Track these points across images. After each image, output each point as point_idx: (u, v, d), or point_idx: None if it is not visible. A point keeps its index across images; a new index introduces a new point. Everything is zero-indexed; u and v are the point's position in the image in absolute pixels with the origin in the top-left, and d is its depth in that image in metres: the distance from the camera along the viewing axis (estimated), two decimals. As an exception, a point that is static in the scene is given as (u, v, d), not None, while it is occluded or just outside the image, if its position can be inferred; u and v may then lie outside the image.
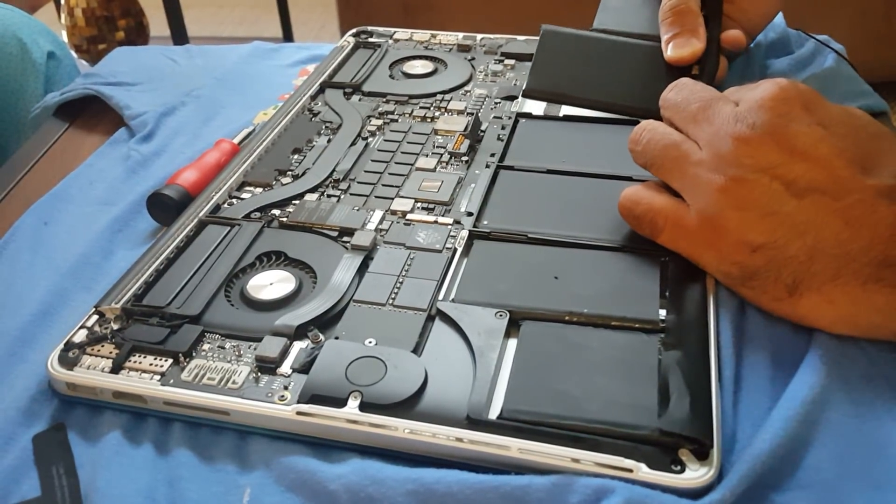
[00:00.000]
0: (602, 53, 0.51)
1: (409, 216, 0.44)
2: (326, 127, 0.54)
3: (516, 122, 0.52)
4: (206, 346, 0.36)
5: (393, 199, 0.46)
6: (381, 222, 0.44)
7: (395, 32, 0.67)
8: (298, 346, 0.36)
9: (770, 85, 0.37)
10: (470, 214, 0.44)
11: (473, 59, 0.62)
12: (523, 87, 0.51)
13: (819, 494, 0.29)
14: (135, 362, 0.35)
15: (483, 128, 0.52)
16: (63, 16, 1.76)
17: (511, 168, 0.47)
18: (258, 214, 0.45)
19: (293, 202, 0.46)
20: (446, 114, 0.54)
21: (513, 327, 0.36)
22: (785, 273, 0.34)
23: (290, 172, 0.49)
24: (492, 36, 0.65)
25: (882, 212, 0.33)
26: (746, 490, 0.29)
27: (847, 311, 0.34)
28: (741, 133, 0.35)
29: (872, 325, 0.34)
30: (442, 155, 0.50)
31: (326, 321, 0.37)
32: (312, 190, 0.47)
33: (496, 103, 0.55)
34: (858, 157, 0.34)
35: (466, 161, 0.49)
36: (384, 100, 0.57)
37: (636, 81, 0.49)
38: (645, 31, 0.52)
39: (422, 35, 0.66)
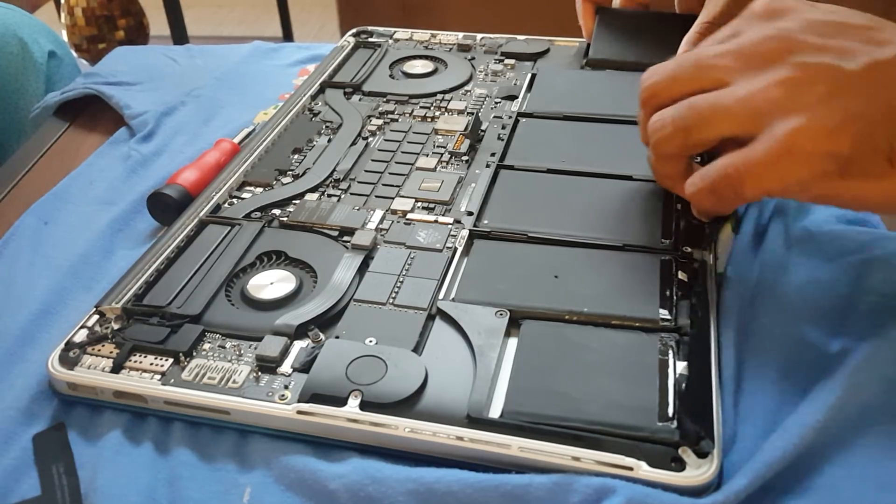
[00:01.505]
0: (651, 24, 0.58)
1: (409, 216, 0.44)
2: (327, 127, 0.54)
3: (517, 121, 0.52)
4: (206, 346, 0.36)
5: (393, 198, 0.46)
6: (381, 222, 0.44)
7: (395, 32, 0.67)
8: (299, 345, 0.36)
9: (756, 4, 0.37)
10: (470, 214, 0.44)
11: (473, 58, 0.62)
12: (587, 57, 0.58)
13: (822, 497, 0.29)
14: (135, 362, 0.35)
15: (483, 127, 0.52)
16: (63, 15, 1.76)
17: (511, 168, 0.47)
18: (258, 214, 0.45)
19: (293, 202, 0.46)
20: (446, 113, 0.54)
21: (513, 326, 0.36)
22: (879, 141, 0.32)
23: (290, 172, 0.49)
24: (492, 36, 0.65)
25: None
26: (750, 493, 0.29)
27: None
28: (760, 40, 0.35)
29: None
30: (442, 154, 0.50)
31: (327, 320, 0.37)
32: (313, 189, 0.47)
33: (496, 103, 0.55)
34: (868, 19, 0.35)
35: (467, 161, 0.49)
36: (384, 99, 0.57)
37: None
38: (640, 60, 0.54)
39: (422, 35, 0.66)
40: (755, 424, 0.32)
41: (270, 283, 0.39)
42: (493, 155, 0.49)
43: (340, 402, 0.33)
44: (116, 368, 0.35)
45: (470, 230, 0.42)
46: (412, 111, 0.55)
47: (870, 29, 0.34)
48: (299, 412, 0.33)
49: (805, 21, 0.35)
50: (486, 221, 0.43)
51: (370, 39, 0.66)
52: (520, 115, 0.53)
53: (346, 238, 0.43)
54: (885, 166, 0.32)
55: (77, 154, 0.57)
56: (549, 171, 0.47)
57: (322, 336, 0.36)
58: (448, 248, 0.41)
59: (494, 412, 0.32)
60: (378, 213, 0.44)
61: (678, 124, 0.36)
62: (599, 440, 0.30)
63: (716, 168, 0.35)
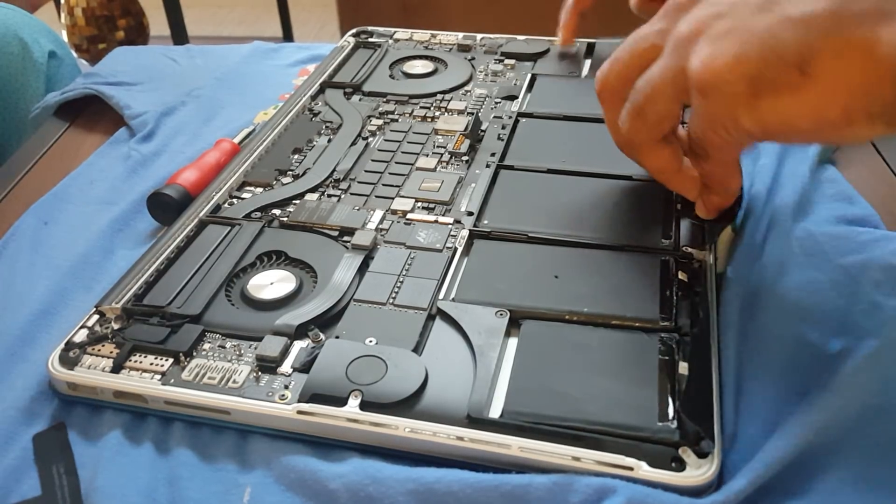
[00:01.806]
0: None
1: (409, 216, 0.44)
2: (327, 127, 0.54)
3: (517, 121, 0.52)
4: (206, 346, 0.36)
5: (393, 198, 0.46)
6: (381, 222, 0.44)
7: (395, 32, 0.67)
8: (299, 345, 0.36)
9: None
10: (470, 214, 0.44)
11: (473, 58, 0.62)
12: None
13: (823, 497, 0.29)
14: (135, 362, 0.35)
15: (483, 127, 0.52)
16: (63, 15, 1.76)
17: (511, 168, 0.47)
18: (258, 214, 0.45)
19: (293, 202, 0.46)
20: (446, 113, 0.54)
21: (513, 326, 0.36)
22: (786, 52, 0.31)
23: (290, 172, 0.49)
24: (492, 36, 0.65)
25: None
26: (750, 494, 0.29)
27: (858, 70, 0.30)
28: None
29: None
30: (442, 155, 0.50)
31: (327, 320, 0.37)
32: (313, 190, 0.47)
33: (496, 103, 0.55)
34: None
35: (467, 161, 0.49)
36: (384, 100, 0.57)
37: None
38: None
39: (422, 35, 0.66)
40: (755, 425, 0.32)
41: (270, 283, 0.39)
42: (492, 155, 0.49)
43: (340, 402, 0.33)
44: (116, 368, 0.35)
45: (470, 230, 0.42)
46: (412, 111, 0.55)
47: None
48: (299, 412, 0.33)
49: None
50: (486, 221, 0.43)
51: (370, 39, 0.66)
52: (520, 115, 0.53)
53: (346, 238, 0.43)
54: (796, 77, 0.31)
55: (77, 154, 0.57)
56: (549, 171, 0.47)
57: (322, 336, 0.36)
58: (448, 248, 0.41)
59: (494, 412, 0.32)
60: (378, 214, 0.44)
61: (631, 112, 0.37)
62: (599, 440, 0.30)
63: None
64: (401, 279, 0.39)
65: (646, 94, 0.36)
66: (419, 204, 0.45)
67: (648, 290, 0.37)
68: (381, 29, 0.67)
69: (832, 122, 0.31)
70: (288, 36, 2.00)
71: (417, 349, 0.35)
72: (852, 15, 0.29)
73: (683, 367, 0.33)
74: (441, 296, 0.38)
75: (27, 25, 0.74)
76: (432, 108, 0.55)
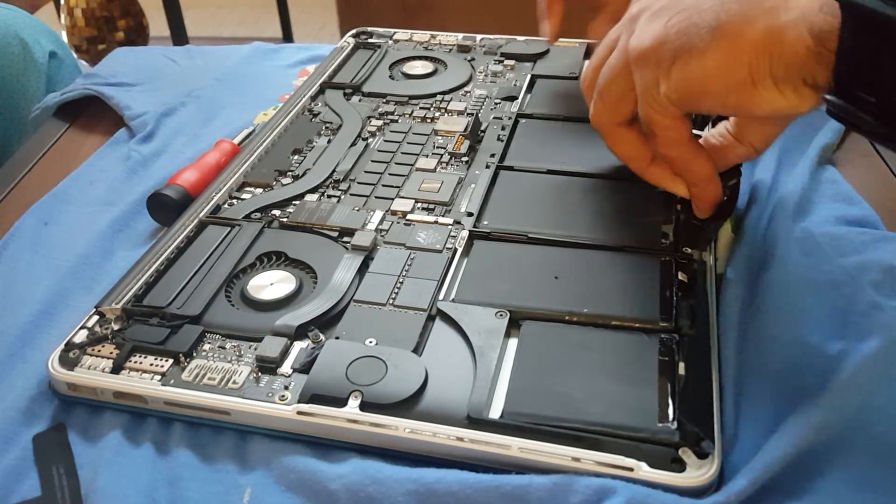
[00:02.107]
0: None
1: (409, 216, 0.44)
2: (326, 127, 0.54)
3: (516, 122, 0.52)
4: (206, 347, 0.36)
5: (393, 199, 0.46)
6: (381, 222, 0.44)
7: (394, 33, 0.67)
8: (299, 346, 0.36)
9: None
10: (470, 215, 0.44)
11: (473, 59, 0.62)
12: None
13: (823, 497, 0.29)
14: (135, 362, 0.35)
15: (483, 128, 0.52)
16: (63, 16, 1.76)
17: (511, 168, 0.47)
18: (258, 215, 0.45)
19: (293, 202, 0.46)
20: (446, 114, 0.54)
21: (513, 327, 0.36)
22: (703, 16, 0.34)
23: (290, 173, 0.49)
24: (491, 36, 0.65)
25: None
26: (750, 494, 0.29)
27: (757, 43, 0.33)
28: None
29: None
30: (442, 155, 0.50)
31: (327, 321, 0.37)
32: (313, 190, 0.47)
33: (496, 104, 0.55)
34: None
35: (466, 161, 0.49)
36: (384, 100, 0.57)
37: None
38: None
39: (421, 36, 0.66)
40: (755, 425, 0.32)
41: (270, 284, 0.39)
42: (492, 156, 0.49)
43: (340, 402, 0.33)
44: (116, 369, 0.35)
45: (470, 231, 0.42)
46: (412, 112, 0.55)
47: None
48: (299, 413, 0.33)
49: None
50: (485, 222, 0.43)
51: (370, 40, 0.66)
52: (519, 115, 0.53)
53: (345, 239, 0.43)
54: (707, 39, 0.33)
55: (77, 155, 0.57)
56: (549, 171, 0.47)
57: (322, 337, 0.36)
58: (448, 248, 0.41)
59: (494, 413, 0.32)
60: (378, 214, 0.44)
61: (596, 95, 0.40)
62: (599, 441, 0.30)
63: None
64: (401, 280, 0.39)
65: (604, 77, 0.39)
66: (419, 205, 0.45)
67: (648, 290, 0.37)
68: (380, 30, 0.67)
69: (739, 84, 0.33)
70: (288, 37, 2.00)
71: (417, 350, 0.35)
72: (761, 6, 0.32)
73: (683, 368, 0.33)
74: (441, 296, 0.38)
75: (28, 26, 0.74)
76: (432, 109, 0.55)
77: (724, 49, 0.33)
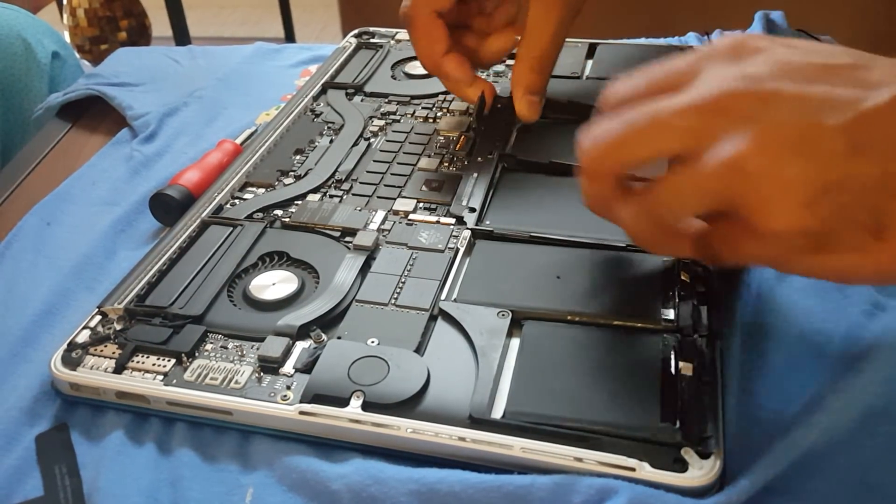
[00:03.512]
0: None
1: (411, 216, 0.44)
2: (329, 127, 0.54)
3: (521, 127, 0.52)
4: (208, 346, 0.36)
5: (395, 199, 0.46)
6: (383, 222, 0.44)
7: (396, 33, 0.67)
8: (301, 345, 0.36)
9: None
10: (472, 210, 0.43)
11: (475, 59, 0.62)
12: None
13: (825, 498, 0.29)
14: (138, 362, 0.35)
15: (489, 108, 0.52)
16: (65, 16, 1.77)
17: (514, 157, 0.47)
18: (261, 215, 0.45)
19: (295, 202, 0.46)
20: (448, 114, 0.54)
21: (515, 327, 0.36)
22: (861, 213, 0.27)
23: (292, 173, 0.49)
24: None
25: None
26: (752, 495, 0.29)
27: None
28: (724, 92, 0.29)
29: None
30: (444, 155, 0.50)
31: (329, 321, 0.37)
32: (315, 190, 0.47)
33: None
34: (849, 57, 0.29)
35: (468, 151, 0.49)
36: (386, 100, 0.57)
37: None
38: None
39: (424, 35, 0.66)
40: (757, 425, 0.32)
41: (272, 284, 0.39)
42: (490, 154, 0.49)
43: (342, 402, 0.33)
44: (119, 369, 0.35)
45: (472, 229, 0.42)
46: (414, 112, 0.55)
47: (857, 68, 0.28)
48: (301, 413, 0.33)
49: (779, 63, 0.29)
50: (487, 222, 0.43)
51: (372, 40, 0.66)
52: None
53: (347, 239, 0.43)
54: (867, 240, 0.28)
55: (79, 155, 0.57)
56: (550, 172, 0.47)
57: (324, 337, 0.36)
58: (450, 248, 0.41)
59: (496, 413, 0.32)
60: (380, 214, 0.44)
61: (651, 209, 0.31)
62: (602, 441, 0.30)
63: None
64: (403, 280, 0.39)
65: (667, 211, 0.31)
66: (421, 204, 0.45)
67: (651, 290, 0.37)
68: (382, 30, 0.67)
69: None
70: (290, 37, 2.00)
71: (419, 350, 0.35)
72: None
73: (686, 368, 0.33)
74: (443, 296, 0.38)
75: (31, 26, 0.75)
76: (434, 109, 0.55)
77: (891, 253, 0.27)
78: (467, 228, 0.42)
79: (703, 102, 0.29)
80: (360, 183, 0.47)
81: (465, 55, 0.50)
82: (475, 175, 0.46)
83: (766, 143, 0.27)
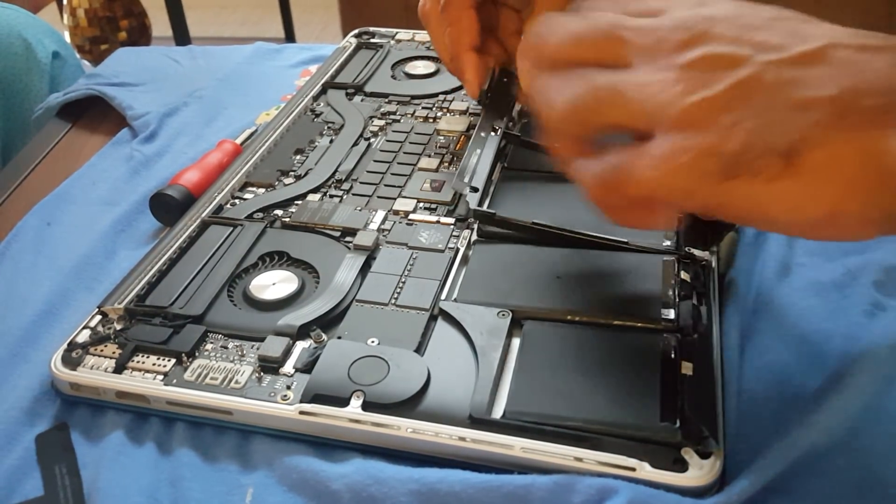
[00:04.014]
0: None
1: (411, 216, 0.44)
2: (329, 127, 0.54)
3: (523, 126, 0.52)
4: (208, 346, 0.36)
5: (395, 199, 0.46)
6: (383, 222, 0.44)
7: (396, 33, 0.67)
8: (301, 345, 0.36)
9: None
10: (475, 190, 0.43)
11: (475, 59, 0.62)
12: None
13: (826, 498, 0.29)
14: (138, 362, 0.35)
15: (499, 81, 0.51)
16: (65, 16, 1.77)
17: (518, 137, 0.47)
18: (261, 215, 0.45)
19: (296, 202, 0.46)
20: (448, 114, 0.54)
21: (515, 327, 0.36)
22: (777, 136, 0.27)
23: (292, 173, 0.49)
24: (494, 36, 0.65)
25: None
26: (752, 494, 0.29)
27: (856, 174, 0.26)
28: (677, 25, 0.30)
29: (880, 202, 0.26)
30: (444, 155, 0.50)
31: (329, 321, 0.37)
32: (315, 190, 0.47)
33: (498, 103, 0.55)
34: None
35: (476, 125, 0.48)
36: (386, 100, 0.57)
37: None
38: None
39: (424, 36, 0.66)
40: (757, 425, 0.32)
41: (273, 284, 0.39)
42: (499, 125, 0.48)
43: (343, 402, 0.33)
44: (119, 369, 0.35)
45: (474, 210, 0.41)
46: (414, 112, 0.55)
47: (799, 22, 0.29)
48: (302, 412, 0.33)
49: (730, 11, 0.30)
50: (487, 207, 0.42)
51: (372, 40, 0.66)
52: (520, 115, 0.53)
53: (348, 239, 0.43)
54: (779, 166, 0.27)
55: (80, 155, 0.57)
56: (552, 173, 0.46)
57: (324, 336, 0.36)
58: (450, 248, 0.41)
59: (497, 413, 0.32)
60: (380, 214, 0.44)
61: (573, 106, 0.31)
62: (602, 441, 0.30)
63: (609, 162, 0.30)
64: (403, 280, 0.39)
65: (599, 104, 0.30)
66: (421, 204, 0.45)
67: (651, 290, 0.37)
68: (382, 30, 0.67)
69: (813, 221, 0.27)
70: (290, 37, 2.00)
71: (419, 350, 0.35)
72: (860, 111, 0.26)
73: (686, 368, 0.33)
74: (443, 296, 0.38)
75: (31, 26, 0.75)
76: (434, 109, 0.55)
77: (802, 185, 0.27)
78: (469, 209, 0.41)
79: (659, 30, 0.30)
80: (361, 183, 0.47)
81: (484, 56, 0.50)
82: (479, 151, 0.46)
83: (699, 74, 0.28)
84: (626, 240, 0.40)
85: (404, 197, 0.46)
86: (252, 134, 0.55)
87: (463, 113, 0.54)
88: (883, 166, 0.25)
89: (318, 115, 0.55)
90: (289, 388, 0.34)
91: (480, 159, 0.45)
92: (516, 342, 0.36)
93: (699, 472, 0.29)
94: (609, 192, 0.31)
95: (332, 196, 0.46)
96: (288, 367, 0.35)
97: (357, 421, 0.32)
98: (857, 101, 0.26)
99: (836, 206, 0.26)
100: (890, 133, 0.25)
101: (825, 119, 0.26)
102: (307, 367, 0.34)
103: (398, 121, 0.54)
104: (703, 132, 0.27)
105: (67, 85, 0.67)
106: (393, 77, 0.60)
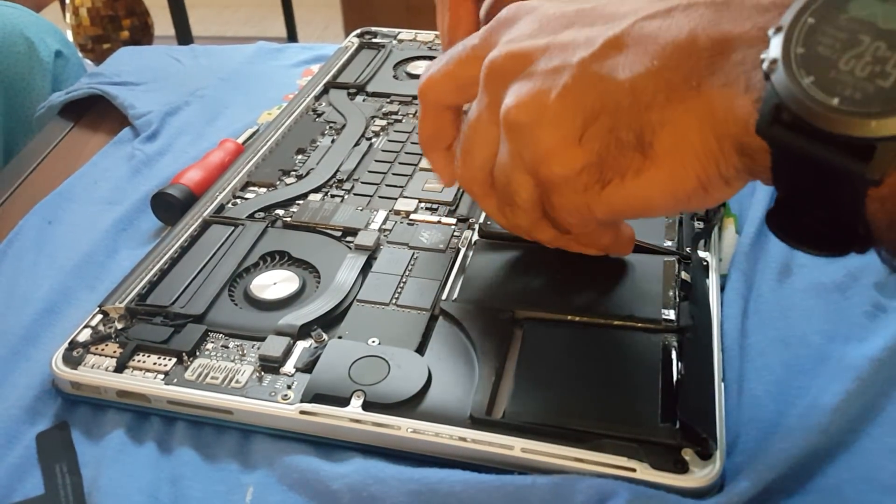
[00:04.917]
0: None
1: (412, 216, 0.44)
2: (330, 127, 0.54)
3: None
4: (209, 346, 0.36)
5: (396, 199, 0.46)
6: (384, 222, 0.44)
7: (399, 33, 0.67)
8: (302, 345, 0.36)
9: None
10: None
11: (477, 59, 0.62)
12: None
13: (826, 498, 0.29)
14: (138, 361, 0.35)
15: None
16: (68, 15, 1.77)
17: None
18: (262, 214, 0.45)
19: (297, 202, 0.46)
20: (450, 114, 0.54)
21: (516, 327, 0.36)
22: (624, 133, 0.28)
23: (293, 172, 0.49)
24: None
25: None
26: (753, 496, 0.29)
27: (703, 140, 0.27)
28: (493, 59, 0.32)
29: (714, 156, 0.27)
30: (446, 155, 0.50)
31: (330, 321, 0.37)
32: (316, 190, 0.47)
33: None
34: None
35: None
36: (388, 100, 0.57)
37: None
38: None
39: (426, 35, 0.66)
40: (758, 426, 0.32)
41: (273, 284, 0.39)
42: None
43: (343, 402, 0.33)
44: (120, 368, 0.35)
45: (476, 225, 0.42)
46: (416, 112, 0.55)
47: (608, 6, 0.30)
48: (302, 412, 0.33)
49: (538, 20, 0.31)
50: (489, 221, 0.43)
51: (374, 40, 0.66)
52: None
53: (349, 238, 0.43)
54: (638, 159, 0.28)
55: (81, 154, 0.57)
56: None
57: (325, 336, 0.36)
58: (451, 248, 0.41)
59: (497, 413, 0.32)
60: (381, 214, 0.44)
61: (462, 155, 0.34)
62: (602, 441, 0.30)
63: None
64: (404, 279, 0.39)
65: (471, 141, 0.34)
66: (422, 204, 0.45)
67: (651, 290, 0.37)
68: (385, 29, 0.67)
69: (689, 194, 0.28)
70: (292, 36, 2.00)
71: (420, 350, 0.35)
72: (681, 80, 0.27)
73: (686, 369, 0.33)
74: (444, 296, 0.38)
75: (33, 25, 0.75)
76: (436, 109, 0.55)
77: (666, 168, 0.28)
78: (469, 229, 0.42)
79: (482, 84, 0.32)
80: (362, 183, 0.47)
81: None
82: None
83: (521, 95, 0.30)
84: None
85: (405, 197, 0.46)
86: (254, 133, 0.55)
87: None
88: (717, 122, 0.26)
89: (319, 115, 0.55)
90: (289, 387, 0.34)
91: None
92: (517, 342, 0.35)
93: (699, 473, 0.29)
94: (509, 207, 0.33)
95: (333, 196, 0.46)
96: (288, 367, 0.35)
97: (357, 421, 0.32)
98: (673, 72, 0.27)
99: (700, 174, 0.27)
100: (710, 91, 0.26)
101: (655, 100, 0.27)
102: (308, 367, 0.34)
103: (400, 121, 0.54)
104: (566, 151, 0.29)
105: (69, 84, 0.67)
106: (395, 77, 0.60)
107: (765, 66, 0.24)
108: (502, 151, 0.32)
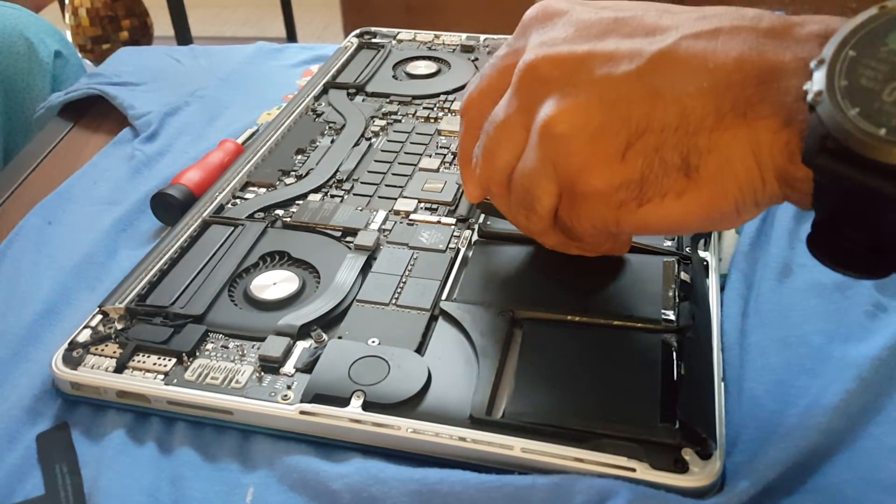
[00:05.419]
0: None
1: (412, 216, 0.44)
2: (330, 127, 0.54)
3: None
4: (209, 346, 0.36)
5: (396, 199, 0.46)
6: (384, 222, 0.44)
7: (398, 33, 0.67)
8: (301, 345, 0.36)
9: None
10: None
11: (477, 59, 0.62)
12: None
13: (826, 498, 0.29)
14: (138, 362, 0.35)
15: None
16: (67, 15, 1.77)
17: None
18: (262, 214, 0.45)
19: (297, 202, 0.46)
20: (449, 114, 0.54)
21: (515, 327, 0.36)
22: (669, 154, 0.28)
23: (293, 173, 0.49)
24: (495, 36, 0.65)
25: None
26: (753, 495, 0.29)
27: (746, 168, 0.27)
28: (525, 62, 0.31)
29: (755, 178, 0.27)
30: (445, 155, 0.50)
31: (330, 321, 0.37)
32: (316, 190, 0.47)
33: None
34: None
35: None
36: (388, 100, 0.57)
37: None
38: None
39: (425, 36, 0.66)
40: (758, 426, 0.32)
41: (273, 284, 0.39)
42: None
43: (343, 402, 0.33)
44: (120, 368, 0.35)
45: (476, 225, 0.42)
46: (415, 112, 0.55)
47: (647, 17, 0.30)
48: (302, 412, 0.33)
49: (574, 24, 0.31)
50: (488, 222, 0.43)
51: (374, 40, 0.66)
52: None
53: (349, 239, 0.43)
54: (681, 181, 0.28)
55: (81, 154, 0.57)
56: None
57: (325, 336, 0.36)
58: (451, 248, 0.41)
59: (497, 413, 0.32)
60: (381, 214, 0.44)
61: (482, 155, 0.34)
62: (602, 441, 0.30)
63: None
64: (403, 280, 0.39)
65: (493, 140, 0.33)
66: (422, 204, 0.45)
67: (651, 290, 0.37)
68: (384, 29, 0.67)
69: (724, 216, 0.29)
70: (292, 36, 2.00)
71: (420, 350, 0.35)
72: (730, 106, 0.27)
73: (685, 369, 0.33)
74: (444, 296, 0.38)
75: (33, 25, 0.75)
76: (435, 109, 0.55)
77: (708, 191, 0.28)
78: (468, 229, 0.42)
79: (515, 86, 0.31)
80: (362, 183, 0.47)
81: None
82: None
83: (565, 105, 0.29)
84: None
85: (405, 197, 0.46)
86: (253, 133, 0.55)
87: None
88: (762, 152, 0.27)
89: (319, 115, 0.55)
90: (289, 387, 0.34)
91: None
92: (517, 342, 0.36)
93: (699, 473, 0.29)
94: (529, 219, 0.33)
95: (333, 196, 0.47)
96: (288, 367, 0.35)
97: (357, 421, 0.32)
98: (722, 97, 0.27)
99: (738, 200, 0.28)
100: (756, 120, 0.26)
101: (704, 124, 0.27)
102: (308, 367, 0.34)
103: (399, 121, 0.54)
104: (602, 169, 0.29)
105: (69, 84, 0.67)
106: (394, 77, 0.60)
107: (809, 97, 0.24)
108: (529, 157, 0.31)
